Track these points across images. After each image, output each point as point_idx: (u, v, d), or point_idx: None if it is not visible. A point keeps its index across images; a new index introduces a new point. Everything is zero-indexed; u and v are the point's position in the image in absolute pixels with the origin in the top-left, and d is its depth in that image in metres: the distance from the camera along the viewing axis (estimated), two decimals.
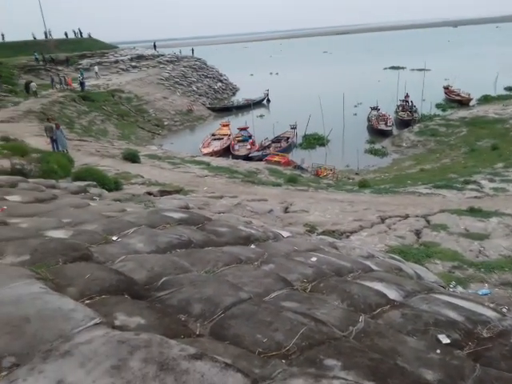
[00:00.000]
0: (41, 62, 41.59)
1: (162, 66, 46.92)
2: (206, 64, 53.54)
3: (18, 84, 33.74)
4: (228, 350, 1.76)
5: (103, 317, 1.78)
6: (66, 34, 54.16)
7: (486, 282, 5.96)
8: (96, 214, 4.07)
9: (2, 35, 51.42)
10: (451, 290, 4.94)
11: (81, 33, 56.18)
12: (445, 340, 2.20)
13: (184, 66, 48.40)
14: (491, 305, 3.80)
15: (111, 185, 9.12)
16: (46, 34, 52.18)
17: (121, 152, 18.35)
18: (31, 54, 42.07)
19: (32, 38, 51.32)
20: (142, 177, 12.71)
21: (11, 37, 55.30)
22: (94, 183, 8.17)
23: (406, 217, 9.47)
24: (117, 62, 47.24)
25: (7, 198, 4.56)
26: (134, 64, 46.94)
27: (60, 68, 42.49)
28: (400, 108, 33.83)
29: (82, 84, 33.94)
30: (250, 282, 2.66)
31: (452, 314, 2.53)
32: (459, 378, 1.84)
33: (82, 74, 36.95)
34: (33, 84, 31.00)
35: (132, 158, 16.77)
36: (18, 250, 2.59)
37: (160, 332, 1.72)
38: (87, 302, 2.02)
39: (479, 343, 2.21)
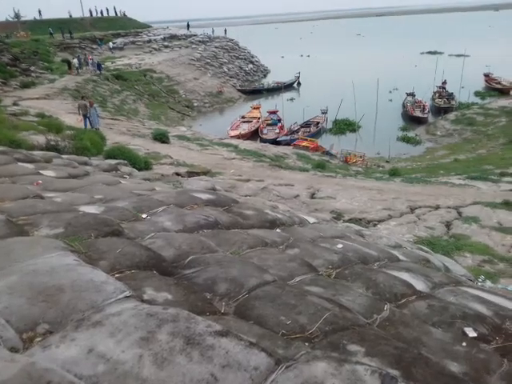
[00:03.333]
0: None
1: (193, 46, 46.85)
2: (238, 45, 53.05)
3: (53, 61, 34.53)
4: (252, 330, 1.78)
5: (133, 290, 1.83)
6: (101, 13, 54.83)
7: None
8: (127, 192, 4.16)
9: (39, 11, 52.44)
10: (480, 284, 4.82)
11: (115, 11, 56.73)
12: (471, 333, 2.16)
13: (216, 47, 48.13)
14: None
15: (141, 164, 9.30)
16: (90, 12, 53.37)
17: (151, 132, 18.63)
18: (66, 32, 42.80)
19: (68, 16, 52.27)
20: (171, 157, 12.87)
21: (48, 14, 56.36)
22: (125, 162, 8.35)
23: (437, 207, 9.25)
24: (150, 41, 47.58)
25: (42, 172, 4.74)
26: (166, 44, 47.11)
27: (94, 46, 43.23)
28: (437, 95, 32.68)
29: (98, 66, 32.11)
30: (274, 265, 2.67)
31: (480, 308, 2.47)
32: (485, 372, 1.81)
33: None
34: (75, 61, 31.81)
35: (162, 138, 17.01)
36: (53, 223, 2.68)
37: (186, 308, 1.76)
38: (117, 275, 2.08)
39: (507, 338, 2.16)
